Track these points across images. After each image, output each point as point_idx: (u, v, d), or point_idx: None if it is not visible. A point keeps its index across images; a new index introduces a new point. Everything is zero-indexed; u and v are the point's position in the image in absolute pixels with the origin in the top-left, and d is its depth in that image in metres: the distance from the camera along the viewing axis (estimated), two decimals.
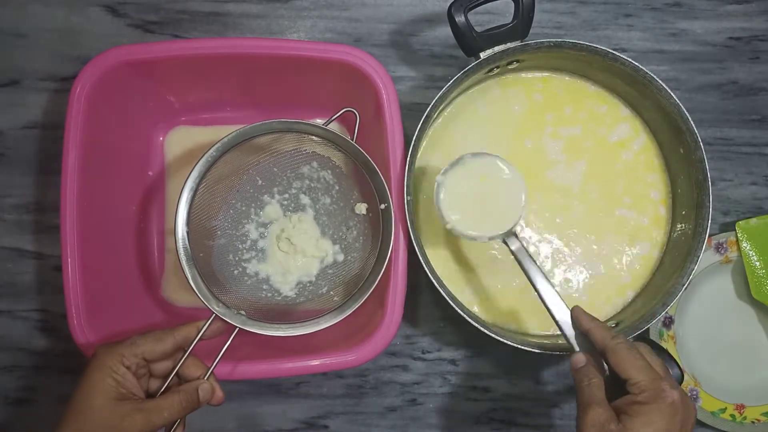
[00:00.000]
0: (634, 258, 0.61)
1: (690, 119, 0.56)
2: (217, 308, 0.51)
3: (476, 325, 0.53)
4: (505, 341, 0.53)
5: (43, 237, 0.63)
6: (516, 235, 0.53)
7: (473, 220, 0.53)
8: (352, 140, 0.54)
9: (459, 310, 0.53)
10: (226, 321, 0.51)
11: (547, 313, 0.50)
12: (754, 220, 0.65)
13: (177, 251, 0.52)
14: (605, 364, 0.47)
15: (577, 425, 0.44)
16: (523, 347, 0.53)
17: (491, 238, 0.53)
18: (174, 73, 0.58)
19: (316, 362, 0.53)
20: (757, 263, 0.64)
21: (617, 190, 0.61)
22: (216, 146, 0.53)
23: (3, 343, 0.63)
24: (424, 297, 0.65)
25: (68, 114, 0.53)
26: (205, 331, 0.49)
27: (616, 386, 0.45)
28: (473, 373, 0.65)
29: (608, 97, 0.62)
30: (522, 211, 0.53)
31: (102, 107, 0.55)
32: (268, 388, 0.64)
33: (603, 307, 0.60)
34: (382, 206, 0.54)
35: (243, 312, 0.52)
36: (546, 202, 0.61)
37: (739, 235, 0.64)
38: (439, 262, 0.60)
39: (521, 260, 0.52)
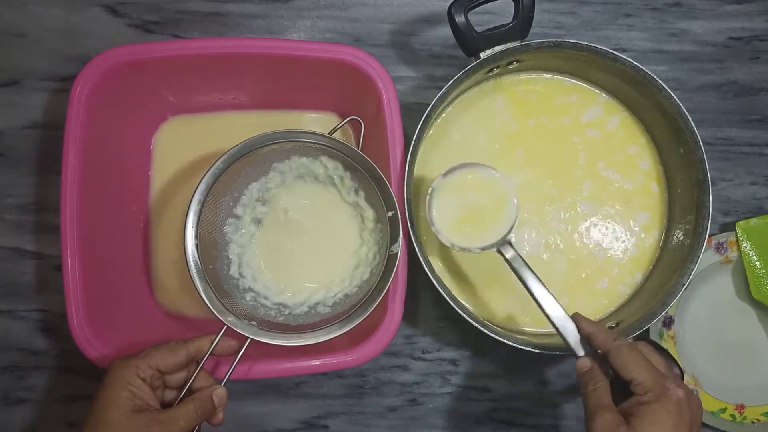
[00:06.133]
0: (636, 229, 0.61)
1: (690, 119, 0.56)
2: (229, 320, 0.51)
3: (476, 325, 0.53)
4: (505, 341, 0.53)
5: (43, 237, 0.63)
6: (510, 244, 0.52)
7: (465, 231, 0.53)
8: (358, 149, 0.54)
9: (459, 310, 0.53)
10: (238, 332, 0.50)
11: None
12: (754, 220, 0.65)
13: (187, 265, 0.51)
14: (609, 369, 0.46)
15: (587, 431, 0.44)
16: (523, 347, 0.53)
17: (483, 249, 0.53)
18: (174, 73, 0.58)
19: (316, 362, 0.53)
20: (757, 263, 0.64)
21: (579, 161, 0.62)
22: (222, 158, 0.53)
23: (3, 343, 0.63)
24: (424, 297, 0.65)
25: (68, 114, 0.53)
26: (216, 346, 0.50)
27: (620, 388, 0.45)
28: (473, 373, 0.64)
29: (583, 86, 0.63)
30: (514, 221, 0.53)
31: (102, 107, 0.55)
32: (268, 388, 0.64)
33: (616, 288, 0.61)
34: (390, 214, 0.54)
35: (254, 323, 0.52)
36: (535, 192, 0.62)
37: (739, 235, 0.64)
38: (440, 262, 0.60)
39: (517, 269, 0.51)
